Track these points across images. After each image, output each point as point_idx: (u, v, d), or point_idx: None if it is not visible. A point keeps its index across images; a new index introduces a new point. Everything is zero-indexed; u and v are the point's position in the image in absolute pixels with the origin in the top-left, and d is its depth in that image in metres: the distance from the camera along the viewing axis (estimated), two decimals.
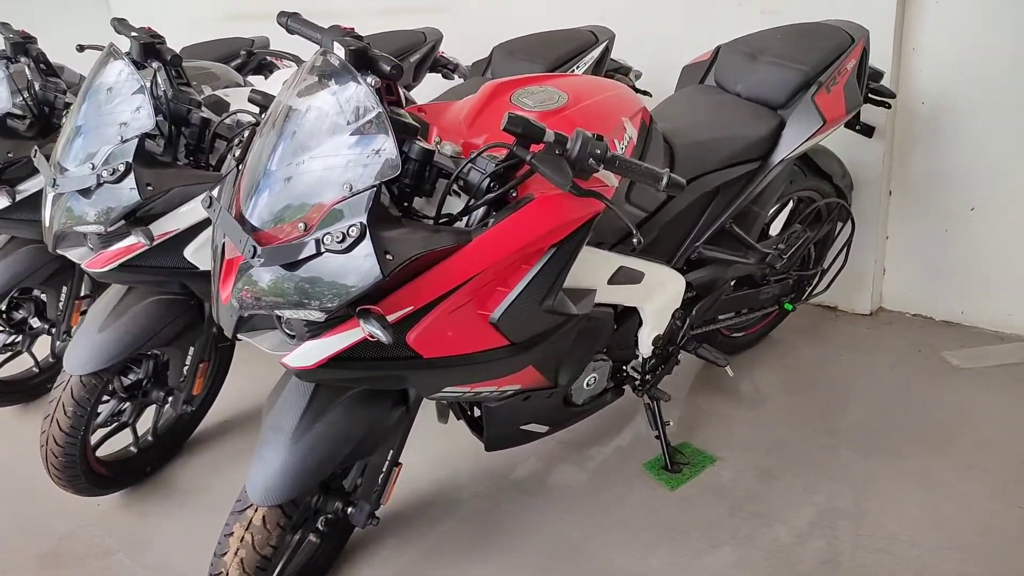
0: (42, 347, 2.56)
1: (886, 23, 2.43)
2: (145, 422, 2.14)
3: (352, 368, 1.27)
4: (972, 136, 2.46)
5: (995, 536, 1.73)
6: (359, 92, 1.23)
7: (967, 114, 2.45)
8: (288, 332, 1.31)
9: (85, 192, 1.69)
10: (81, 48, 2.43)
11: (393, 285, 1.22)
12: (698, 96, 2.13)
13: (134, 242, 1.73)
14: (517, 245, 1.31)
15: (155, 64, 1.86)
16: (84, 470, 1.92)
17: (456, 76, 3.15)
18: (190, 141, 1.87)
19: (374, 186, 1.16)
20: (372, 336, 1.17)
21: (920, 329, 2.66)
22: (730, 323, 2.25)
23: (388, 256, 1.16)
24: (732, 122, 1.95)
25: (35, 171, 2.15)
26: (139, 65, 1.86)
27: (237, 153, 1.37)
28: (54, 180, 1.71)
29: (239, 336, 1.29)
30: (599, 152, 1.24)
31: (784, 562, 1.71)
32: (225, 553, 1.37)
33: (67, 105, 2.20)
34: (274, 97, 1.50)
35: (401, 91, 1.43)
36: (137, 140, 1.68)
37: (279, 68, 3.42)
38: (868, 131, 2.47)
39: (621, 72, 2.85)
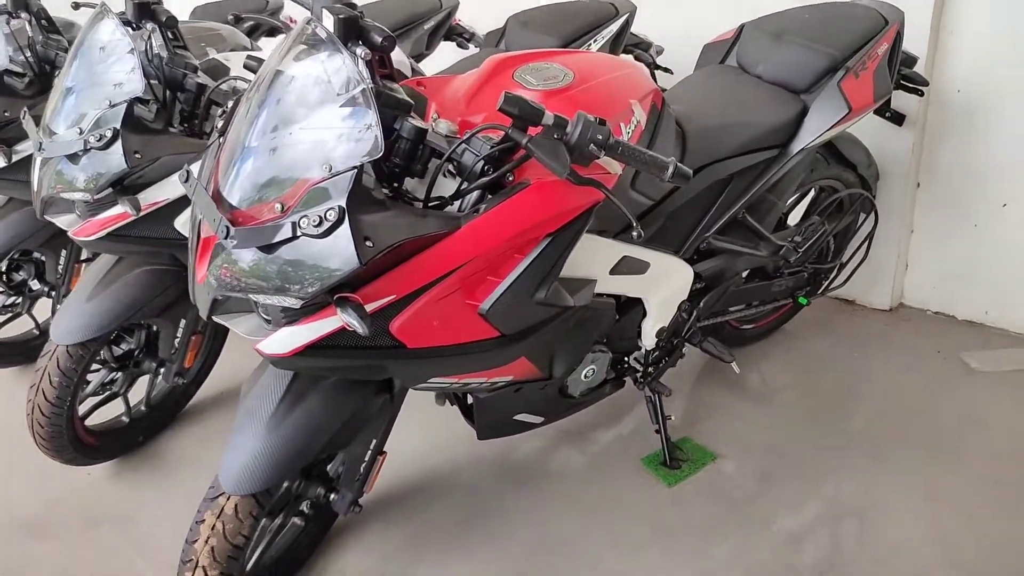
0: (43, 309, 2.54)
1: (925, 4, 2.29)
2: (138, 392, 2.11)
3: (331, 357, 1.22)
4: (1009, 128, 2.32)
5: (998, 556, 1.65)
6: (346, 64, 1.16)
7: (1005, 105, 2.31)
8: (264, 317, 1.25)
9: (73, 157, 1.64)
10: (76, 6, 2.37)
11: (376, 272, 1.16)
12: (717, 77, 2.02)
13: (122, 211, 1.67)
14: (510, 233, 1.23)
15: (150, 25, 1.79)
16: (71, 440, 1.89)
17: (472, 46, 3.04)
18: (185, 107, 1.80)
19: (355, 167, 1.09)
20: (349, 326, 1.11)
21: (941, 328, 2.55)
22: (740, 315, 2.16)
23: (368, 243, 1.09)
24: (751, 106, 1.84)
25: None
26: (135, 26, 1.79)
27: (220, 124, 1.30)
28: (40, 144, 1.66)
29: (213, 318, 1.24)
30: (600, 138, 1.17)
31: (778, 569, 1.65)
32: (196, 540, 1.33)
33: None
34: None
35: (409, 61, 1.34)
36: (126, 105, 1.61)
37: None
38: (898, 119, 2.35)
39: (641, 47, 2.74)
